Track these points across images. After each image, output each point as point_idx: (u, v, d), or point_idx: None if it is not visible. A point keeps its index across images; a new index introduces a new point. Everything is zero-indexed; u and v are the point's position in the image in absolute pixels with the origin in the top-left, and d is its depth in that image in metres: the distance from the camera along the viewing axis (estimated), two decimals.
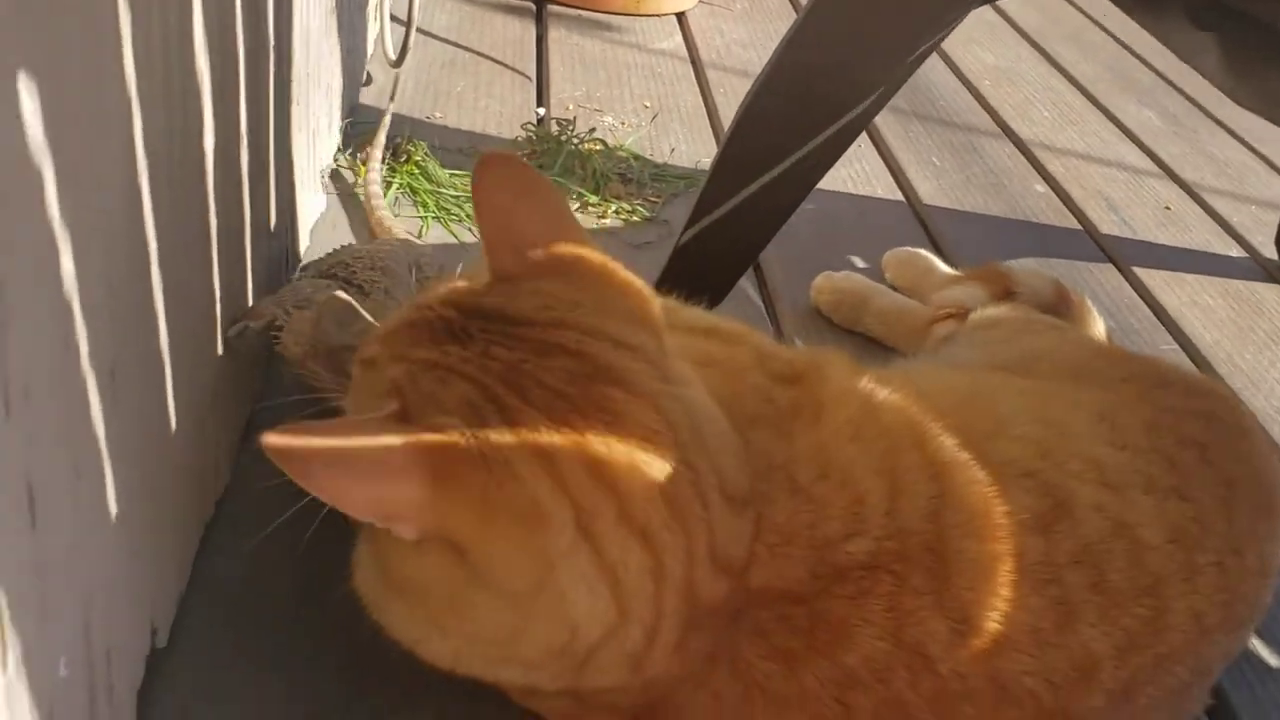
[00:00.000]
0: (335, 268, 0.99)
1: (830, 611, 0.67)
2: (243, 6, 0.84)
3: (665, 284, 1.19)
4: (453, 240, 1.36)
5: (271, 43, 0.96)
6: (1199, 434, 0.88)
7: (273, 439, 0.53)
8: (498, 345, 0.61)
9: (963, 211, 1.72)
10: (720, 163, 1.16)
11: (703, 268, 1.20)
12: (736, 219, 1.16)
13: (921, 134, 1.94)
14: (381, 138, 1.44)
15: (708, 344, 0.82)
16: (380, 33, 1.66)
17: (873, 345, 1.34)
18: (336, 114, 1.45)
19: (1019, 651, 0.71)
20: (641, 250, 1.44)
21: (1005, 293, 1.27)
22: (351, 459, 0.56)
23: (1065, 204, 1.80)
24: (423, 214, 1.39)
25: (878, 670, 0.68)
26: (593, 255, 0.66)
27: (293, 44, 1.07)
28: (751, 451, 0.69)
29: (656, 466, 0.60)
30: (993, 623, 0.70)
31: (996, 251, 1.61)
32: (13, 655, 0.50)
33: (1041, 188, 1.84)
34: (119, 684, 0.68)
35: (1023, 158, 1.93)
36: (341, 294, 0.92)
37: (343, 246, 1.08)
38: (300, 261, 1.21)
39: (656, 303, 0.68)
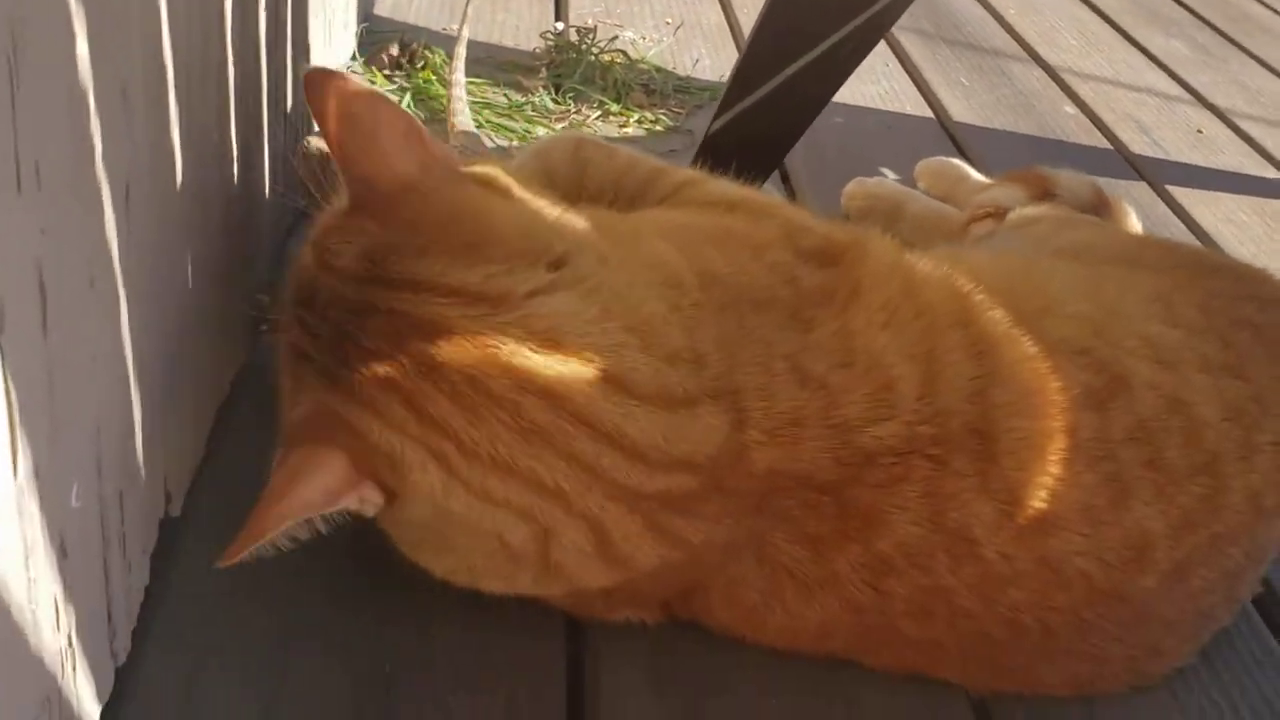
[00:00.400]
0: None
1: (859, 499, 0.65)
2: None
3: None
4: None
5: None
6: (1253, 316, 0.85)
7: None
8: (332, 306, 0.60)
9: (993, 129, 1.67)
10: (751, 49, 1.12)
11: (732, 159, 1.15)
12: (768, 107, 1.11)
13: (949, 57, 1.89)
14: (465, 33, 1.37)
15: (728, 219, 0.78)
16: None
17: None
18: (352, 15, 1.41)
19: (1070, 531, 0.68)
20: (667, 158, 1.40)
21: (1044, 194, 1.23)
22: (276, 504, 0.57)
23: (1096, 125, 1.76)
24: (441, 116, 1.34)
25: (914, 556, 0.66)
26: (418, 187, 0.62)
27: None
28: (743, 338, 0.66)
29: (482, 408, 0.58)
30: (1043, 502, 0.68)
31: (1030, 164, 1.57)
32: (22, 464, 0.47)
33: (1071, 109, 1.80)
34: (132, 537, 0.64)
35: (1051, 81, 1.88)
36: None
37: None
38: None
39: (509, 206, 0.65)
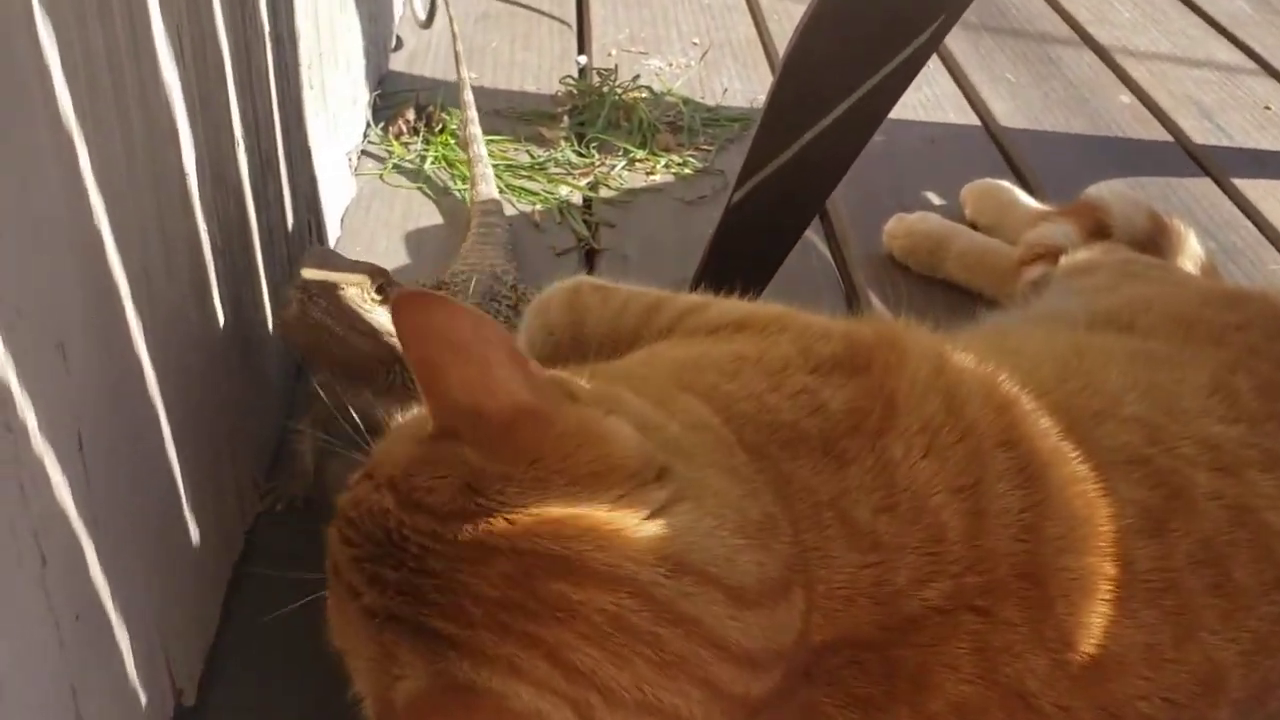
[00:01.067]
0: None
1: (906, 659, 0.60)
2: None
3: (719, 249, 1.11)
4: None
5: (267, 30, 0.88)
6: None
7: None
8: (431, 553, 0.52)
9: (1043, 132, 1.59)
10: (770, 111, 1.06)
11: (759, 227, 1.10)
12: (792, 172, 1.06)
13: (993, 49, 1.80)
14: (468, 97, 1.35)
15: (738, 343, 0.72)
16: None
17: (955, 292, 1.24)
18: (363, 90, 1.37)
19: (1132, 674, 0.63)
20: (695, 206, 1.35)
21: (1098, 227, 1.16)
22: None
23: (1153, 113, 1.66)
24: (460, 188, 1.31)
25: (968, 714, 0.61)
26: (532, 416, 0.54)
27: (296, 27, 0.99)
28: (792, 491, 0.60)
29: (627, 648, 0.52)
30: (1100, 647, 0.62)
31: (1081, 174, 1.49)
32: None
33: (1126, 98, 1.70)
34: None
35: (1104, 66, 1.79)
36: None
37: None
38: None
39: (628, 441, 0.56)
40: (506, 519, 0.52)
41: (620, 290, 0.83)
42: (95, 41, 0.56)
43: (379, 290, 0.80)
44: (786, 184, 1.08)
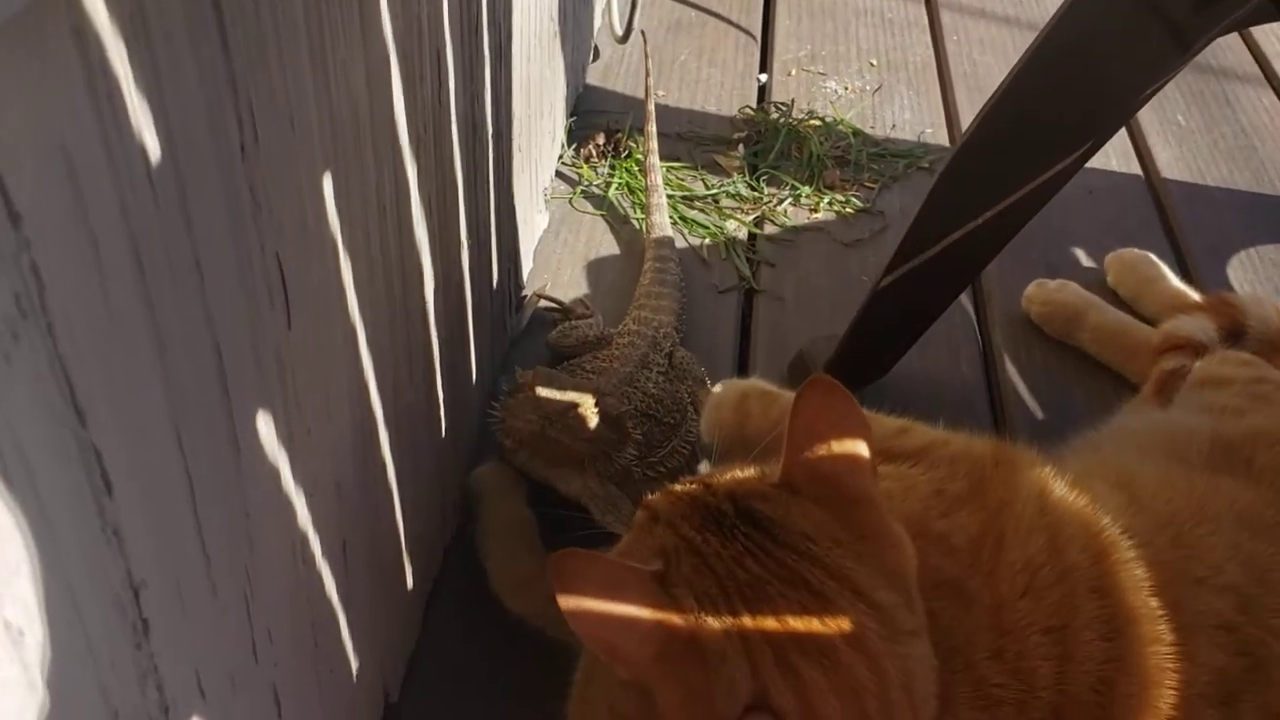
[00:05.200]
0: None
1: None
2: (457, 85, 0.89)
3: (862, 329, 1.23)
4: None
5: (490, 131, 1.03)
6: None
7: (562, 557, 0.61)
8: (752, 557, 0.65)
9: (1203, 187, 1.63)
10: (930, 203, 1.15)
11: (901, 311, 1.21)
12: (940, 262, 1.16)
13: (1171, 85, 1.82)
14: (651, 129, 1.44)
15: (888, 479, 0.83)
16: (608, 2, 1.69)
17: (1088, 361, 1.33)
18: (560, 126, 1.51)
19: None
20: (852, 249, 1.46)
21: (1234, 324, 1.23)
22: (611, 604, 0.62)
23: None
24: (639, 216, 1.44)
25: None
26: (872, 504, 0.68)
27: (513, 110, 1.13)
28: (936, 630, 0.69)
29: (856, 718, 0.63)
30: None
31: (1234, 237, 1.54)
32: None
33: None
34: None
35: None
36: (540, 368, 1.02)
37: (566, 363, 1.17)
38: (522, 289, 1.30)
39: (913, 563, 0.68)
40: (824, 568, 0.65)
41: (781, 401, 0.97)
42: (372, 210, 0.71)
43: (595, 404, 0.98)
44: (934, 271, 1.18)
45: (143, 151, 0.42)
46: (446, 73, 0.84)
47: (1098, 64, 1.07)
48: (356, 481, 0.74)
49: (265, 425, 0.56)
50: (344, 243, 0.65)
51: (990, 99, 1.08)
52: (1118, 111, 1.13)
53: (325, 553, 0.68)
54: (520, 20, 1.13)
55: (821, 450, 0.69)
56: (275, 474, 0.59)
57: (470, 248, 0.98)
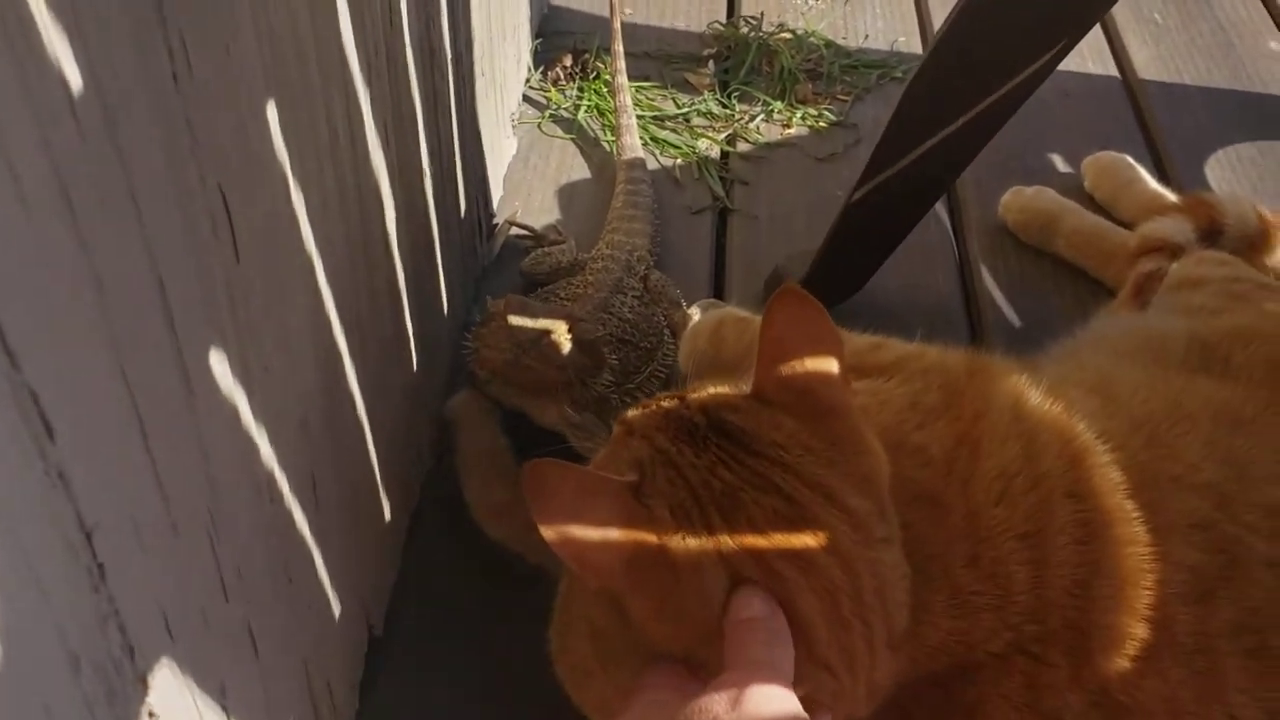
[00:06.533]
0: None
1: (966, 693, 0.70)
2: (410, 7, 0.86)
3: (837, 243, 1.21)
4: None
5: (449, 56, 1.01)
6: None
7: (535, 466, 0.61)
8: (725, 466, 0.65)
9: (1180, 85, 1.61)
10: (899, 113, 1.13)
11: (875, 222, 1.20)
12: (913, 171, 1.14)
13: None
14: (618, 48, 1.40)
15: (862, 394, 0.83)
16: None
17: (1065, 267, 1.32)
18: (525, 49, 1.48)
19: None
20: (826, 164, 1.44)
21: (1212, 225, 1.22)
22: (584, 512, 0.62)
23: None
24: (609, 139, 1.42)
25: None
26: (845, 412, 0.68)
27: (472, 32, 1.11)
28: (911, 540, 0.69)
29: (831, 618, 0.63)
30: (1127, 695, 0.71)
31: (1211, 136, 1.53)
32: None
33: (1276, 44, 1.69)
34: (336, 683, 0.81)
35: (1258, 3, 1.77)
36: (513, 295, 1.01)
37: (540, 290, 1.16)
38: (493, 217, 1.28)
39: (885, 471, 0.68)
40: (796, 474, 0.65)
41: (754, 324, 0.97)
42: (322, 139, 0.70)
43: (569, 330, 0.96)
44: (907, 182, 1.16)
45: (62, 81, 0.40)
46: None
47: None
48: (324, 417, 0.73)
49: (219, 361, 0.55)
50: (293, 172, 0.63)
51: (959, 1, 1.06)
52: (1089, 6, 1.10)
53: (294, 489, 0.68)
54: None
55: (793, 361, 0.68)
56: (234, 411, 0.58)
57: (433, 175, 0.97)
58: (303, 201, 0.65)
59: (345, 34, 0.71)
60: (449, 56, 1.01)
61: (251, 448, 0.61)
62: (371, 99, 0.77)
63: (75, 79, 0.41)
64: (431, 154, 0.95)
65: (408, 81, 0.86)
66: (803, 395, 0.68)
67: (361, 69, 0.74)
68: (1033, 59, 1.11)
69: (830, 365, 0.68)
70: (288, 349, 0.65)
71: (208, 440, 0.55)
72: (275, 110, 0.60)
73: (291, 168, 0.62)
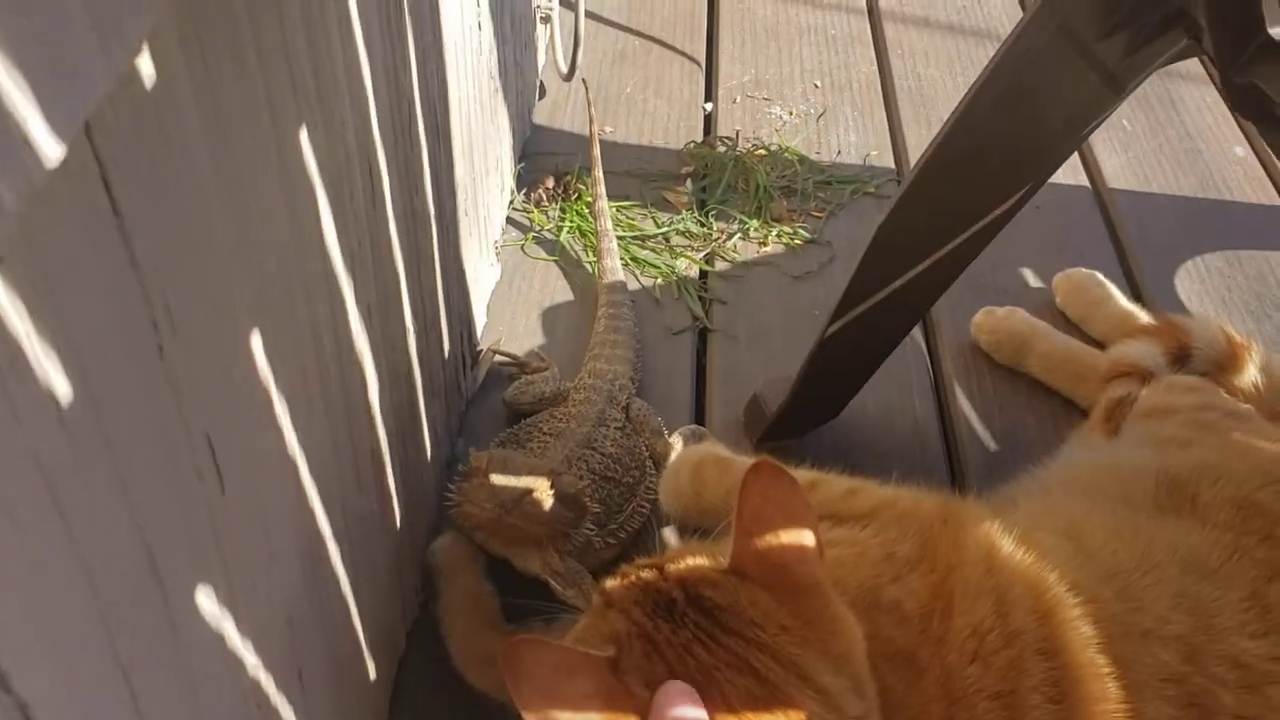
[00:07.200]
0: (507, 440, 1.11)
1: None
2: (393, 186, 0.89)
3: (812, 375, 1.24)
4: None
5: (432, 214, 1.03)
6: None
7: (514, 646, 0.62)
8: (701, 644, 0.67)
9: (1149, 195, 1.65)
10: (872, 250, 1.16)
11: (849, 355, 1.22)
12: (886, 307, 1.17)
13: None
14: (598, 174, 1.45)
15: (839, 545, 0.85)
16: (551, 40, 1.69)
17: (1039, 387, 1.35)
18: (508, 176, 1.51)
19: None
20: (802, 281, 1.47)
21: (1181, 348, 1.25)
22: (563, 691, 0.63)
23: (1265, 168, 1.70)
24: (591, 259, 1.45)
25: None
26: (819, 591, 0.70)
27: (455, 181, 1.13)
28: (889, 704, 0.71)
29: None
30: None
31: (1182, 245, 1.56)
32: None
33: (1242, 150, 1.74)
34: None
35: (1223, 109, 1.81)
36: (498, 449, 1.03)
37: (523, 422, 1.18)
38: (476, 346, 1.30)
39: (860, 647, 0.70)
40: (772, 654, 0.66)
41: (737, 466, 0.99)
42: (306, 348, 0.72)
43: (551, 486, 0.98)
44: (881, 315, 1.19)
45: (53, 399, 0.42)
46: (380, 179, 0.84)
47: (1035, 110, 1.08)
48: (309, 607, 0.74)
49: (205, 597, 0.57)
50: (278, 389, 0.65)
51: (929, 147, 1.09)
52: (1057, 151, 1.14)
53: (280, 687, 0.69)
54: (458, 91, 1.13)
55: (769, 537, 0.71)
56: (219, 637, 0.59)
57: (417, 333, 0.99)
58: (287, 413, 0.67)
59: (329, 236, 0.73)
60: (432, 213, 1.03)
61: (237, 664, 0.62)
62: (355, 287, 0.79)
63: (65, 392, 0.43)
64: (415, 315, 0.98)
65: (391, 256, 0.88)
66: (779, 571, 0.70)
67: (345, 263, 0.77)
68: (1001, 201, 1.14)
69: (805, 539, 0.71)
70: (271, 556, 0.67)
71: (195, 673, 0.56)
72: (260, 339, 0.62)
73: (276, 385, 0.65)
